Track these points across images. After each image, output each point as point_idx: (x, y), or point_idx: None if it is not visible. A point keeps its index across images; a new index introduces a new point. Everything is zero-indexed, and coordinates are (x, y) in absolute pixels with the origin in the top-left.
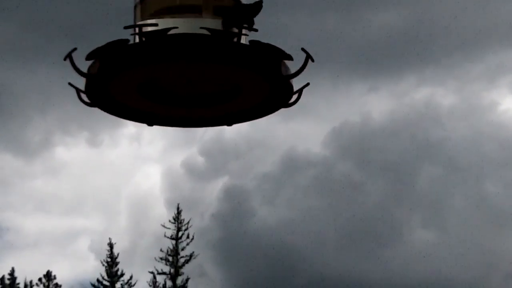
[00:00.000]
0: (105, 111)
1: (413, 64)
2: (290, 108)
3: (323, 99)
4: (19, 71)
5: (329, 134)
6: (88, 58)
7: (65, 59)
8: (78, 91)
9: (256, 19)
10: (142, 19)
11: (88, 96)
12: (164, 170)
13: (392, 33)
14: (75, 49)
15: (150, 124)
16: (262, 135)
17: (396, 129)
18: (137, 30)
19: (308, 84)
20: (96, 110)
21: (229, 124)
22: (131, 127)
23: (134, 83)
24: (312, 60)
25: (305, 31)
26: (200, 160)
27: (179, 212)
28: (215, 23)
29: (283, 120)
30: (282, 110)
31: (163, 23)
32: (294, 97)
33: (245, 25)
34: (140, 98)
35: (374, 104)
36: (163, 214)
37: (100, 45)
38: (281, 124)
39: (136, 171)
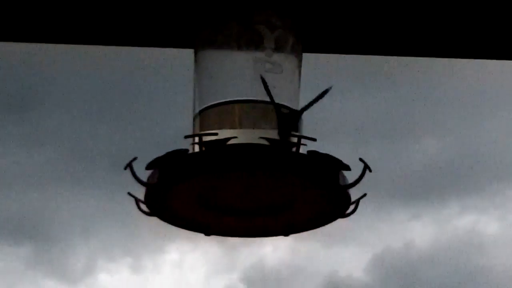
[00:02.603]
0: (164, 221)
1: (455, 191)
2: (331, 233)
3: (364, 225)
4: (60, 196)
5: (371, 261)
6: (148, 167)
7: (125, 168)
8: (137, 200)
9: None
10: (201, 130)
11: (147, 206)
12: None
13: (434, 160)
14: (135, 158)
15: (207, 234)
16: (303, 260)
17: (439, 257)
18: (196, 139)
19: (365, 194)
20: (140, 235)
21: (286, 234)
22: (173, 253)
23: (193, 193)
24: (370, 170)
25: (346, 158)
26: (241, 287)
27: None
28: (273, 133)
29: (324, 246)
30: (323, 235)
31: (222, 133)
32: (351, 207)
33: (300, 134)
34: (197, 208)
35: (417, 231)
36: None
37: (159, 155)
38: (322, 250)
39: None
